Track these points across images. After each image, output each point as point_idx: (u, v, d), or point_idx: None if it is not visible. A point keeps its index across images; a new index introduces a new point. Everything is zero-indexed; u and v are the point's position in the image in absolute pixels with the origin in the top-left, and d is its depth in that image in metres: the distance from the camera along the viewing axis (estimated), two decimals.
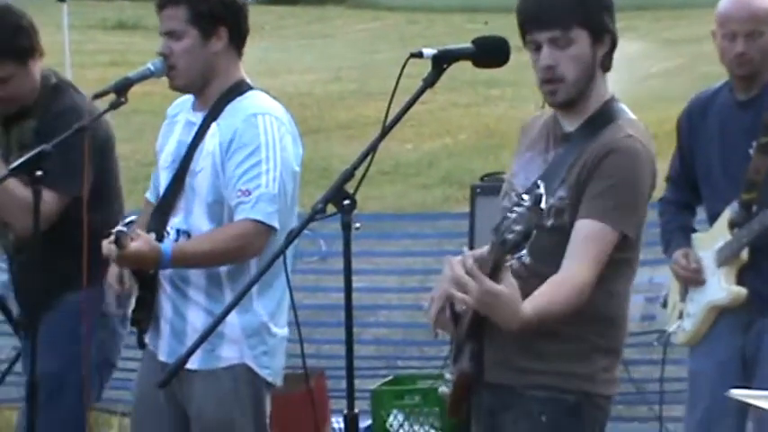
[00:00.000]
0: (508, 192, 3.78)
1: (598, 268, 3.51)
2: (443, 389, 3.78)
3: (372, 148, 3.50)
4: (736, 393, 3.60)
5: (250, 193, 4.11)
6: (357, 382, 6.75)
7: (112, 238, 4.01)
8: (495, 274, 3.30)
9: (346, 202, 3.40)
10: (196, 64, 4.23)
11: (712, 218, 4.80)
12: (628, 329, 3.78)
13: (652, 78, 20.56)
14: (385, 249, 7.95)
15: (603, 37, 3.63)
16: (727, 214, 4.69)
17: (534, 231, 3.18)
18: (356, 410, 3.70)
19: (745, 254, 4.65)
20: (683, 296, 4.88)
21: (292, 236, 3.51)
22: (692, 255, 4.75)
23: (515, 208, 3.20)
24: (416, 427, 6.63)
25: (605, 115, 3.65)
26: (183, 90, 4.34)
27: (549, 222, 3.59)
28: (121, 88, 4.22)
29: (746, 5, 4.66)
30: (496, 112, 18.53)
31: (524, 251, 3.24)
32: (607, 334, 3.67)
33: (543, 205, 3.15)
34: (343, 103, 22.25)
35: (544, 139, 3.76)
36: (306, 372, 4.08)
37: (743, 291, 4.66)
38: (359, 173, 3.47)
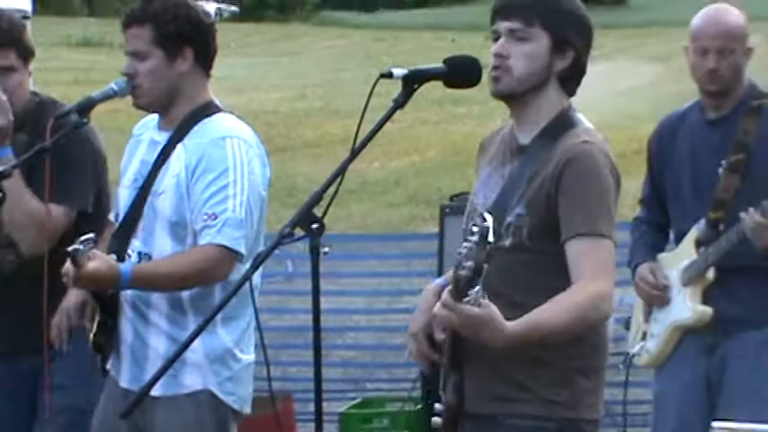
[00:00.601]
0: (471, 213, 3.67)
1: (609, 273, 3.42)
2: (436, 420, 3.65)
3: (341, 171, 3.39)
4: (719, 426, 3.51)
5: (216, 217, 3.99)
6: (325, 405, 6.72)
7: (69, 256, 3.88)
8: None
9: (314, 225, 3.31)
10: (161, 84, 4.12)
11: (679, 237, 4.73)
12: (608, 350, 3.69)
13: (619, 97, 20.59)
14: (351, 270, 7.79)
15: (565, 50, 3.54)
16: (693, 233, 4.62)
17: (485, 266, 3.06)
18: None
19: (711, 273, 4.57)
20: (647, 316, 4.81)
21: (259, 260, 3.41)
22: (660, 271, 4.67)
23: (464, 242, 3.10)
24: None
25: (560, 125, 3.55)
26: (147, 109, 4.24)
27: (508, 242, 3.49)
28: (84, 108, 4.13)
29: (719, 22, 4.60)
30: (463, 129, 18.48)
31: (477, 287, 3.10)
32: (589, 355, 3.55)
33: (491, 238, 3.04)
34: (309, 121, 22.19)
35: (501, 153, 3.66)
36: (272, 395, 3.95)
37: (708, 310, 4.58)
38: (328, 194, 3.38)
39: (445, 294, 3.17)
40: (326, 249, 3.37)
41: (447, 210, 6.72)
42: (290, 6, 52.90)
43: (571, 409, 3.52)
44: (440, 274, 6.54)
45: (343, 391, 6.82)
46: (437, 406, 3.63)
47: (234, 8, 44.32)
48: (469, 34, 46.82)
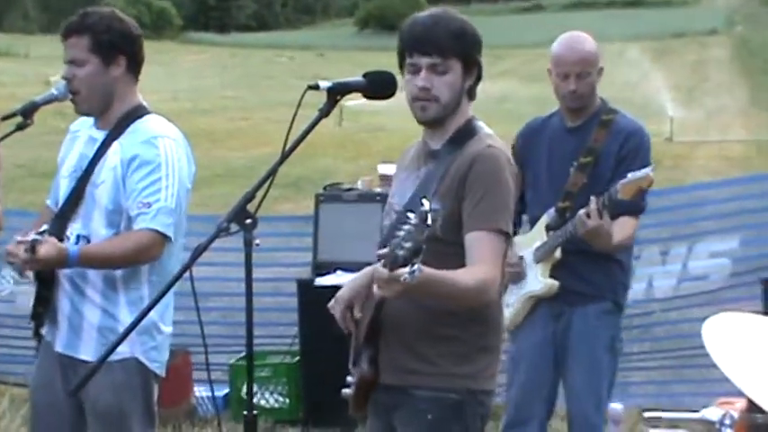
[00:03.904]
0: (389, 212, 3.35)
1: (497, 266, 3.11)
2: (346, 391, 3.33)
3: (272, 172, 2.98)
4: (648, 415, 3.18)
5: (150, 206, 3.64)
6: (217, 358, 6.33)
7: (27, 245, 3.52)
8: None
9: (248, 220, 2.94)
10: (97, 88, 3.72)
11: (533, 222, 4.52)
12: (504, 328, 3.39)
13: None
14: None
15: (473, 68, 3.24)
16: (545, 219, 4.43)
17: (423, 246, 2.73)
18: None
19: (558, 253, 4.37)
20: (504, 289, 4.48)
21: (199, 251, 2.98)
22: (513, 252, 4.41)
23: (403, 226, 2.74)
24: (267, 395, 6.24)
25: (467, 132, 3.25)
26: (87, 114, 3.81)
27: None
28: (28, 111, 3.74)
29: (577, 50, 4.40)
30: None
31: (416, 265, 2.75)
32: (491, 335, 3.24)
33: (429, 222, 2.70)
34: (180, 119, 21.61)
35: (415, 160, 3.34)
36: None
37: (555, 283, 4.38)
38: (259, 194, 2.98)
39: (381, 271, 2.80)
40: (258, 242, 2.99)
41: (321, 197, 6.32)
42: (161, 27, 52.16)
43: (471, 380, 3.20)
44: (314, 252, 6.24)
45: (230, 346, 6.36)
46: (348, 379, 3.31)
47: None
48: (303, 52, 47.21)
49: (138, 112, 3.77)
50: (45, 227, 3.65)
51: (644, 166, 4.17)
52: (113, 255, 3.65)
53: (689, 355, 6.09)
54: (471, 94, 3.29)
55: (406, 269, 2.74)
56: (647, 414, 5.57)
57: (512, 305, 4.50)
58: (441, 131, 3.26)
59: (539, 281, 4.42)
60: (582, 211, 4.14)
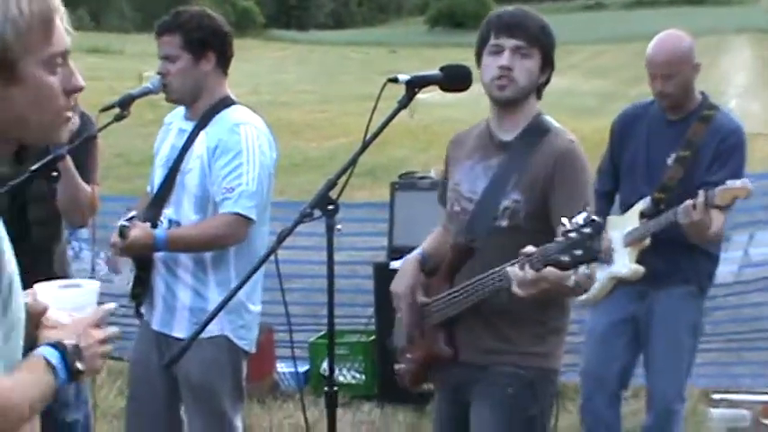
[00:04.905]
0: (457, 199, 3.30)
1: None
2: (401, 366, 3.39)
3: (353, 161, 2.93)
4: (719, 396, 3.13)
5: (233, 190, 3.66)
6: (298, 336, 6.34)
7: (117, 231, 3.61)
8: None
9: (330, 206, 2.91)
10: (188, 81, 3.75)
11: (625, 207, 4.44)
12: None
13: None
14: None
15: (548, 66, 3.22)
16: (640, 206, 4.34)
17: (599, 256, 2.71)
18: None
19: (648, 240, 4.31)
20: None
21: (283, 236, 2.97)
22: (606, 236, 4.36)
23: (568, 234, 2.69)
24: (345, 372, 6.20)
25: (540, 126, 3.21)
26: (177, 102, 3.85)
27: (505, 223, 3.14)
28: (125, 103, 3.72)
29: (662, 51, 4.29)
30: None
31: (584, 268, 2.73)
32: (561, 317, 3.23)
33: (602, 230, 2.69)
34: (261, 110, 21.74)
35: (481, 149, 3.28)
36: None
37: (641, 269, 4.29)
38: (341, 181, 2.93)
39: (528, 270, 2.78)
40: (339, 227, 2.96)
41: (396, 185, 6.28)
42: (245, 25, 52.56)
43: (545, 361, 3.19)
44: (390, 237, 6.22)
45: (310, 325, 6.37)
46: (408, 355, 3.35)
47: None
48: (377, 48, 47.20)
49: (224, 103, 3.79)
50: (133, 213, 3.72)
51: (738, 165, 4.15)
52: (199, 237, 3.67)
53: (749, 338, 5.99)
54: (539, 93, 3.26)
55: (571, 271, 2.71)
56: (716, 396, 5.47)
57: (597, 282, 4.42)
58: (510, 122, 3.21)
59: (626, 265, 4.33)
60: (689, 202, 4.03)
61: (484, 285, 3.04)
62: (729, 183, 3.99)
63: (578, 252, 2.66)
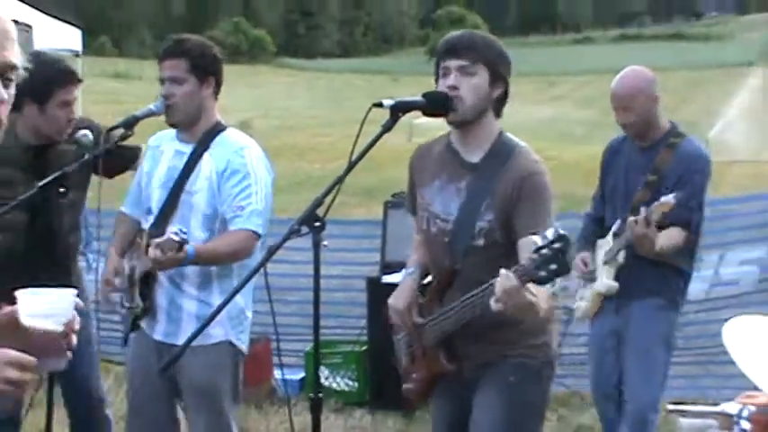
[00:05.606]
0: (432, 219, 3.25)
1: None
2: (408, 386, 3.35)
3: (339, 180, 2.94)
4: (672, 407, 3.14)
5: (243, 209, 3.66)
6: (293, 345, 6.31)
7: (172, 244, 3.47)
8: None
9: (317, 223, 2.89)
10: (192, 104, 3.73)
11: (607, 229, 4.53)
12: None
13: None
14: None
15: (498, 82, 3.14)
16: (614, 227, 4.45)
17: (570, 270, 2.70)
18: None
19: (620, 257, 4.39)
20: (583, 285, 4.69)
21: (272, 251, 2.96)
22: (588, 258, 4.55)
23: (541, 250, 2.65)
24: (338, 379, 6.20)
25: (505, 146, 3.15)
26: (177, 125, 3.80)
27: (481, 242, 3.11)
28: (129, 124, 3.72)
29: (619, 86, 4.40)
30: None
31: (559, 281, 2.69)
32: (553, 312, 3.23)
33: (568, 244, 2.65)
34: (270, 134, 21.82)
35: (446, 168, 3.22)
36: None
37: (615, 285, 4.41)
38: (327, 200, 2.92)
39: (514, 279, 2.69)
40: (326, 243, 2.95)
41: (389, 204, 6.29)
42: (257, 53, 52.66)
43: (547, 348, 3.21)
44: (382, 253, 6.21)
45: (306, 335, 6.33)
46: (414, 375, 3.32)
47: None
48: (380, 76, 47.30)
49: (219, 127, 3.79)
50: (178, 227, 3.60)
51: (696, 188, 4.25)
52: (222, 251, 3.67)
53: (717, 352, 5.94)
54: (497, 111, 3.18)
55: (549, 286, 2.68)
56: (670, 406, 5.48)
57: (585, 299, 4.59)
58: (473, 142, 3.16)
59: (603, 282, 4.45)
60: (631, 218, 4.16)
61: (473, 303, 3.00)
62: (663, 199, 4.07)
63: (553, 266, 2.63)
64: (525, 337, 3.13)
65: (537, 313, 2.80)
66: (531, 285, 2.69)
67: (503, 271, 2.70)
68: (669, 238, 4.24)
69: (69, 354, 1.91)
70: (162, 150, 3.87)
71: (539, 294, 2.76)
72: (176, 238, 3.44)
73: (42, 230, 3.90)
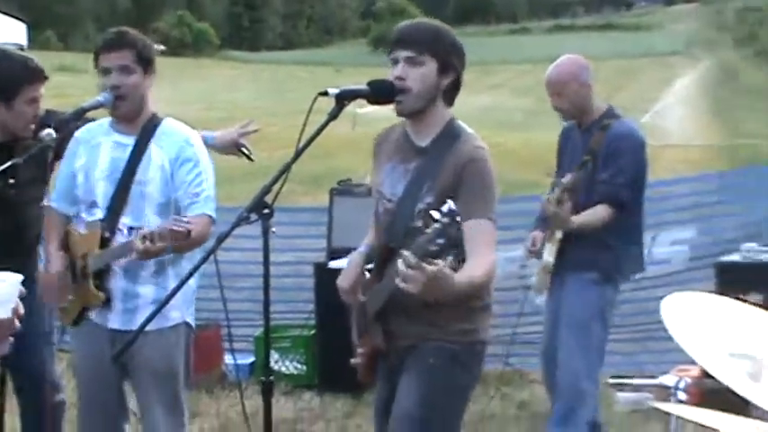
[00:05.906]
0: (380, 200, 3.24)
1: (494, 249, 3.06)
2: (355, 360, 3.32)
3: (286, 168, 2.94)
4: (613, 381, 3.13)
5: (199, 195, 3.65)
6: (243, 330, 6.28)
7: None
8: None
9: (266, 210, 2.89)
10: (138, 94, 3.68)
11: None
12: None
13: None
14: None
15: (448, 71, 3.12)
16: None
17: (460, 241, 2.63)
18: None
19: (558, 234, 4.52)
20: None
21: (222, 238, 2.94)
22: (539, 237, 4.67)
23: (434, 225, 2.60)
24: (287, 363, 6.19)
25: (452, 132, 3.15)
26: (125, 118, 3.72)
27: (419, 223, 3.05)
28: (78, 115, 3.70)
29: (554, 73, 4.54)
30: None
31: (451, 257, 2.65)
32: (484, 297, 3.18)
33: (458, 219, 2.60)
34: (215, 126, 21.57)
35: (400, 151, 3.22)
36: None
37: (549, 261, 4.56)
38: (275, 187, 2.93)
39: (411, 259, 2.64)
40: (274, 229, 2.94)
41: (335, 191, 6.28)
42: (201, 46, 52.15)
43: (473, 335, 3.17)
44: (329, 239, 6.20)
45: (257, 320, 6.31)
46: (359, 350, 3.29)
47: (162, 47, 43.51)
48: (323, 68, 47.12)
49: (157, 118, 3.76)
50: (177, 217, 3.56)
51: (625, 164, 4.35)
52: (192, 236, 3.55)
53: (653, 329, 6.04)
54: (448, 99, 3.17)
55: (441, 261, 2.63)
56: (611, 380, 5.55)
57: (536, 274, 4.73)
58: (423, 129, 3.16)
59: (544, 258, 4.59)
60: (544, 197, 4.34)
61: (389, 281, 2.97)
62: (563, 179, 4.27)
63: (441, 240, 2.59)
64: (452, 323, 3.11)
65: (451, 287, 2.73)
66: (441, 262, 2.63)
67: (403, 251, 2.67)
68: (590, 214, 4.34)
69: (11, 339, 1.89)
70: (99, 143, 3.77)
71: (467, 270, 2.76)
72: (182, 229, 3.40)
73: (12, 219, 3.87)
